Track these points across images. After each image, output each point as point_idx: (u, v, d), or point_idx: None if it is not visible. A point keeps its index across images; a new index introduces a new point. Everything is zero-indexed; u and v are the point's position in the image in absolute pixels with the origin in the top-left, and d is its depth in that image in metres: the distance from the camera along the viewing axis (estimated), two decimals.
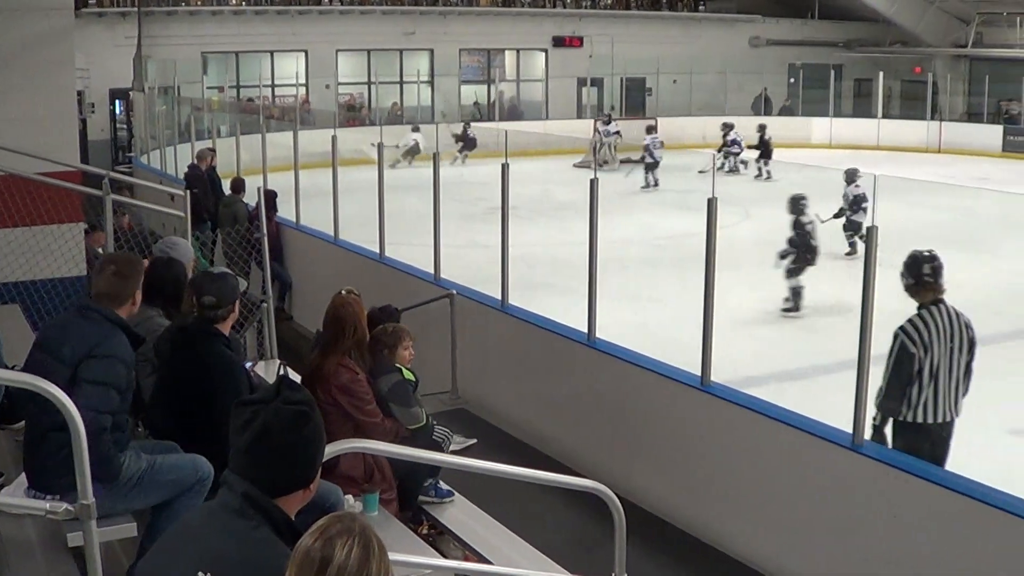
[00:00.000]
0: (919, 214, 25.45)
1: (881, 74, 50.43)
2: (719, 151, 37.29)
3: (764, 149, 37.86)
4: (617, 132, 39.60)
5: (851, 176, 22.92)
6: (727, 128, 39.25)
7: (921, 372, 9.15)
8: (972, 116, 50.42)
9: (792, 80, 52.75)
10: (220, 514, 3.97)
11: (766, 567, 9.44)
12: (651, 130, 37.01)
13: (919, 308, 9.33)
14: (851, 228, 22.07)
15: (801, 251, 18.10)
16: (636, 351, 11.36)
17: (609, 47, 48.21)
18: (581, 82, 49.42)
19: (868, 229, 8.46)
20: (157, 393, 7.27)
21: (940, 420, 9.22)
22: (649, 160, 35.56)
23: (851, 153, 42.35)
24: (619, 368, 11.18)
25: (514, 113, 47.94)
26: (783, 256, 18.20)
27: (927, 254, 9.55)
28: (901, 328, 9.17)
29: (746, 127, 42.82)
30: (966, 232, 26.10)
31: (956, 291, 20.14)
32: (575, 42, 49.52)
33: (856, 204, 22.33)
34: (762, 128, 38.85)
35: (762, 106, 51.10)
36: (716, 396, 9.96)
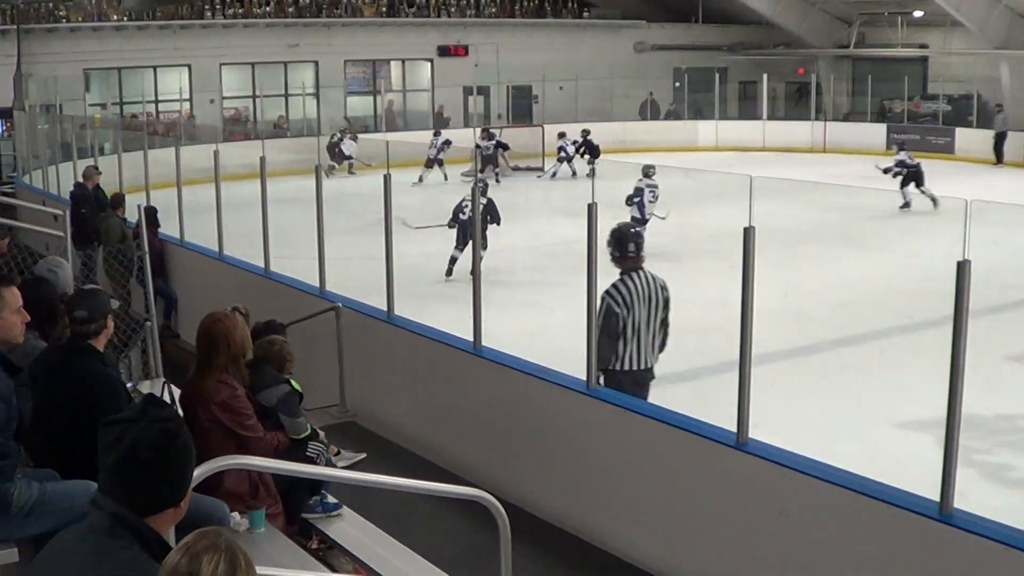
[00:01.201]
0: (802, 212, 25.73)
1: (765, 76, 50.95)
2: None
3: (592, 151, 40.01)
4: (498, 144, 39.77)
5: (646, 171, 24.47)
6: (561, 137, 40.54)
7: (625, 328, 10.63)
8: (855, 115, 51.02)
9: (678, 84, 53.13)
10: (90, 536, 3.93)
11: (655, 568, 9.47)
12: (562, 136, 39.52)
13: (621, 274, 10.79)
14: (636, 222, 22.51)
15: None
16: (522, 358, 11.39)
17: (495, 55, 48.24)
18: (467, 91, 49.43)
19: (744, 230, 8.50)
20: (36, 417, 7.17)
21: (642, 367, 10.82)
22: (563, 155, 38.61)
23: (738, 155, 42.92)
24: (505, 375, 11.18)
25: (393, 125, 47.75)
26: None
27: (633, 231, 11.31)
28: (607, 292, 10.59)
29: (633, 131, 43.23)
30: (852, 229, 26.42)
31: (843, 287, 20.45)
32: (460, 51, 49.54)
33: (635, 195, 24.04)
34: (585, 132, 41.07)
35: (648, 111, 51.40)
36: (601, 400, 10.00)
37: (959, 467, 7.39)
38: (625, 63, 51.78)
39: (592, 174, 36.26)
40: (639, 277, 10.80)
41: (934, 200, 27.96)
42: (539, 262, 22.56)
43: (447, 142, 38.19)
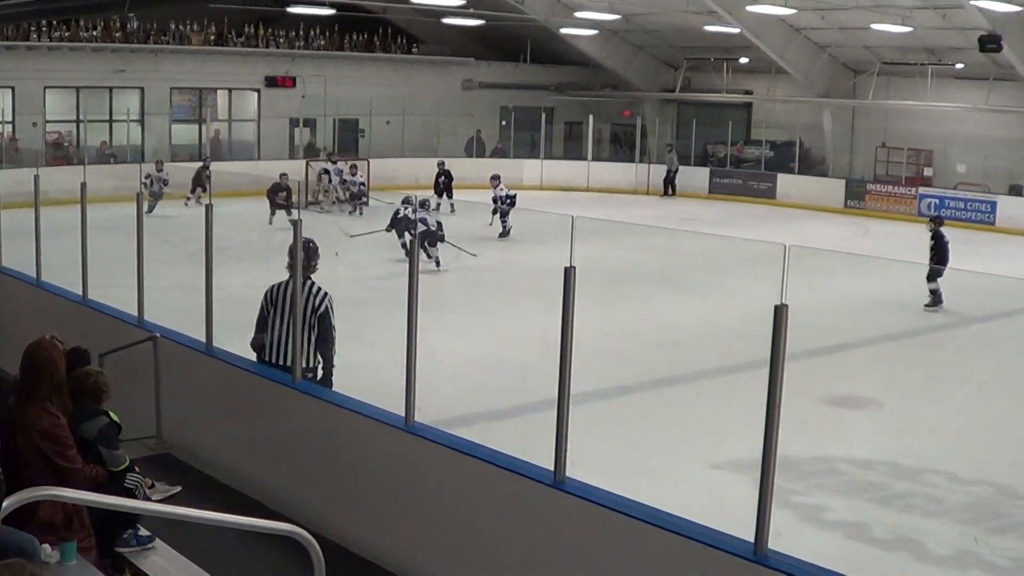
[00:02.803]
0: (622, 253, 25.95)
1: (591, 117, 51.46)
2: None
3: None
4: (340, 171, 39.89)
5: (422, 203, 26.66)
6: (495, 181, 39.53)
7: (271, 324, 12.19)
8: (680, 159, 51.76)
9: (504, 122, 53.37)
10: None
11: None
12: (496, 179, 36.44)
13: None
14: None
15: None
16: (341, 392, 11.35)
17: (322, 88, 48.13)
18: (293, 122, 49.22)
19: (565, 269, 8.54)
20: None
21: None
22: (503, 206, 35.05)
23: (562, 194, 43.22)
24: (323, 409, 11.15)
25: (219, 154, 47.29)
26: None
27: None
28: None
29: (460, 167, 43.51)
30: (672, 271, 26.72)
31: (662, 328, 20.67)
32: (288, 82, 49.23)
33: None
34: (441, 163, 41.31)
35: (474, 148, 51.59)
36: (419, 436, 9.97)
37: (775, 508, 7.48)
38: (453, 100, 51.98)
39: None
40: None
41: None
42: (362, 295, 22.50)
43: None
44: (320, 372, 12.22)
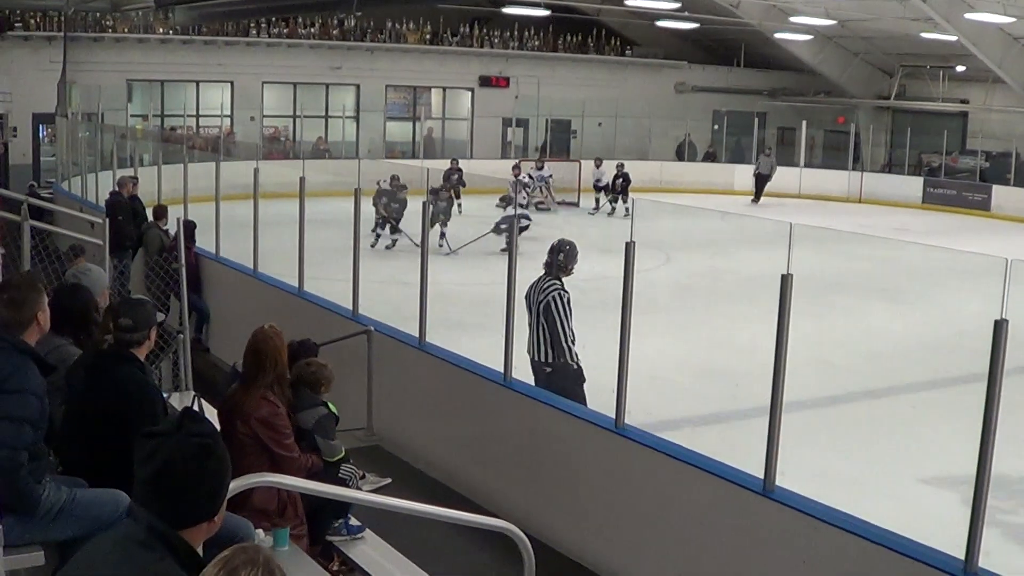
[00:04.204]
0: (835, 262, 25.62)
1: (804, 123, 50.93)
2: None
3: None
4: (550, 175, 39.87)
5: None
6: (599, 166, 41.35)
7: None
8: (893, 167, 50.95)
9: (716, 127, 53.00)
10: (124, 545, 3.95)
11: None
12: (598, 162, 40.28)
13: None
14: None
15: None
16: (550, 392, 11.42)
17: (535, 88, 48.33)
18: (506, 122, 49.51)
19: (782, 277, 8.49)
20: (68, 422, 7.18)
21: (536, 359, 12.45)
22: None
23: (775, 200, 42.74)
24: (534, 409, 11.19)
25: (432, 152, 47.70)
26: None
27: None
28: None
29: (670, 171, 43.49)
30: (884, 282, 26.32)
31: (873, 339, 20.34)
32: (502, 82, 49.58)
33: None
34: (620, 166, 40.49)
35: (685, 151, 51.39)
36: (629, 439, 9.98)
37: (985, 526, 7.37)
38: (665, 103, 51.74)
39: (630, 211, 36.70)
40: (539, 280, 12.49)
41: None
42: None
43: (550, 175, 39.84)
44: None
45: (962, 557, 7.33)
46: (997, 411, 7.23)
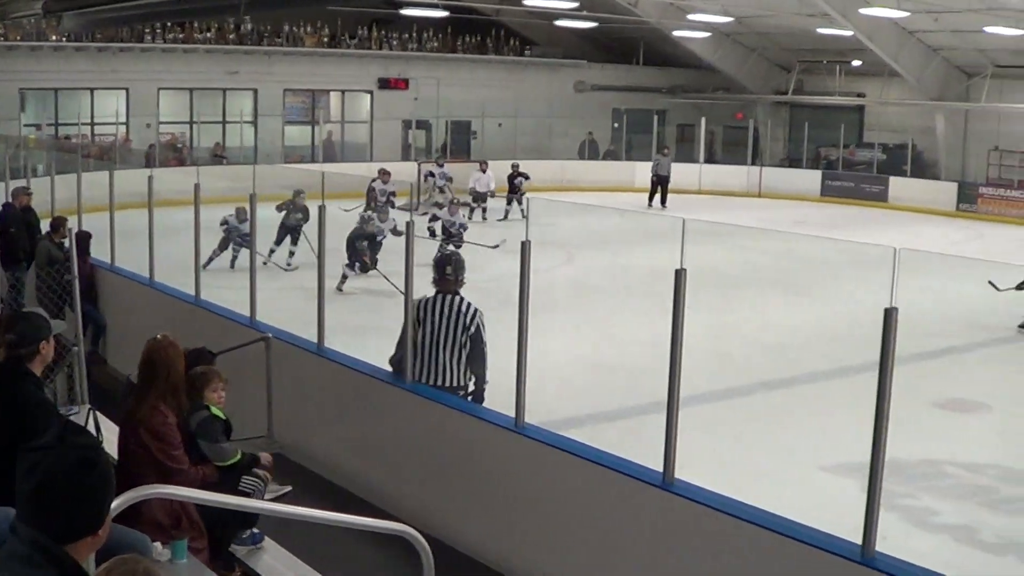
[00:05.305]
0: (734, 256, 25.81)
1: (703, 119, 51.27)
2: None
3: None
4: (451, 178, 39.56)
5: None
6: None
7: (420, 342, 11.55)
8: (792, 161, 51.42)
9: (616, 125, 53.17)
10: (8, 563, 3.89)
11: None
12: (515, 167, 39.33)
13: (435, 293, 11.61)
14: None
15: None
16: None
17: (435, 89, 48.26)
18: (407, 124, 49.39)
19: (676, 272, 8.54)
20: None
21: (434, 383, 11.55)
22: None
23: (672, 196, 42.91)
24: (433, 410, 11.17)
25: (332, 155, 47.57)
26: None
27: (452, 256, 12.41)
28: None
29: (572, 170, 43.55)
30: (782, 274, 26.56)
31: (772, 331, 20.54)
32: (401, 84, 49.46)
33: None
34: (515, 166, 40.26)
35: (587, 150, 51.57)
36: (528, 437, 10.00)
37: (883, 511, 7.45)
38: (565, 102, 51.93)
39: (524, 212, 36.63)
40: (445, 299, 11.56)
41: None
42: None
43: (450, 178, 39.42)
44: (471, 388, 11.74)
45: (859, 543, 7.40)
46: (889, 397, 7.32)
